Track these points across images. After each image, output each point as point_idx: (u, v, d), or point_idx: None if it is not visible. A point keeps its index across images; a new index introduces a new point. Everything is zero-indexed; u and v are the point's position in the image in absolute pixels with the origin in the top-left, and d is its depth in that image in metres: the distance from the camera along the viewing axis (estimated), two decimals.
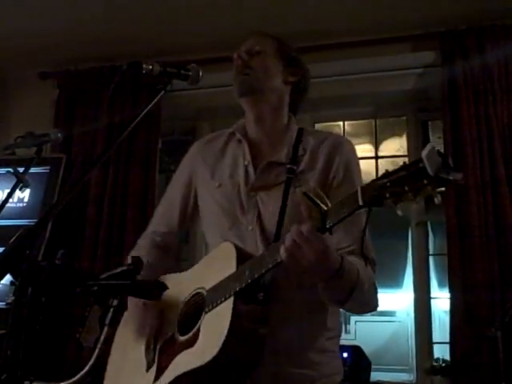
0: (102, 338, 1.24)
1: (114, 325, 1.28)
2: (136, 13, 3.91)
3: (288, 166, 1.80)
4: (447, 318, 3.51)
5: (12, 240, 1.16)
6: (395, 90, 4.10)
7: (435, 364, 3.58)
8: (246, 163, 1.87)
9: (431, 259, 4.00)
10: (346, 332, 4.79)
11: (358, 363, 3.33)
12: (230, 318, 1.50)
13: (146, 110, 1.51)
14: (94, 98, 4.36)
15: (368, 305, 1.74)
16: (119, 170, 4.13)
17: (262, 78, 1.86)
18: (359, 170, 1.88)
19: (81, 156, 4.23)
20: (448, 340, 3.46)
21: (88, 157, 4.20)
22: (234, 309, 1.52)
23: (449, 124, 3.69)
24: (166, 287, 1.54)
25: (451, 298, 3.48)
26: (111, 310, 1.25)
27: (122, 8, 3.87)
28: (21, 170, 2.25)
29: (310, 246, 1.40)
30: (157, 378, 1.67)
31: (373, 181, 1.28)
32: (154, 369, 1.70)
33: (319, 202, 1.39)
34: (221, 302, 1.57)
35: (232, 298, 1.54)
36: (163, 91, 1.59)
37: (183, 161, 2.08)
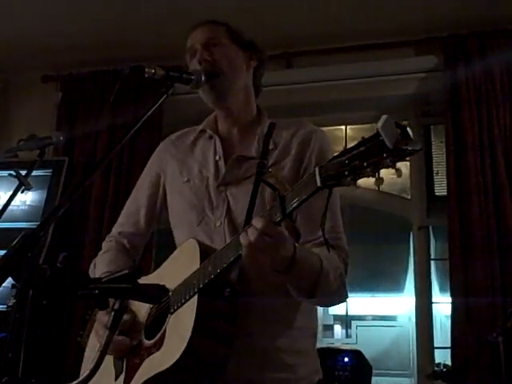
0: (103, 342, 1.24)
1: (115, 329, 1.27)
2: (139, 16, 3.91)
3: (258, 160, 1.77)
4: (448, 323, 3.51)
5: (14, 243, 1.16)
6: (398, 95, 4.10)
7: (436, 369, 3.58)
8: (217, 158, 1.85)
9: (433, 264, 4.00)
10: (347, 336, 4.79)
11: (359, 368, 3.33)
12: (193, 317, 1.47)
13: (148, 114, 1.51)
14: (97, 102, 4.37)
15: (334, 298, 1.69)
16: (121, 173, 4.13)
17: (231, 75, 1.82)
18: None
19: (83, 159, 4.24)
20: (449, 345, 3.46)
21: (90, 160, 4.21)
22: (198, 307, 1.48)
23: (451, 128, 3.69)
24: (167, 291, 1.53)
25: (452, 303, 3.47)
26: (112, 313, 1.25)
27: (125, 11, 3.88)
28: (23, 172, 2.25)
29: (268, 241, 1.37)
30: None
31: (330, 160, 1.23)
32: (122, 377, 1.67)
33: (277, 188, 1.36)
34: (185, 301, 1.53)
35: (196, 296, 1.50)
36: (165, 95, 1.59)
37: (150, 160, 2.04)
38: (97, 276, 1.83)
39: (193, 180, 1.85)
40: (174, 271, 1.68)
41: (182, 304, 1.55)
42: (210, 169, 1.84)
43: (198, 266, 1.55)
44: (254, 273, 1.56)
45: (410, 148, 1.09)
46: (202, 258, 1.56)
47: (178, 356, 1.44)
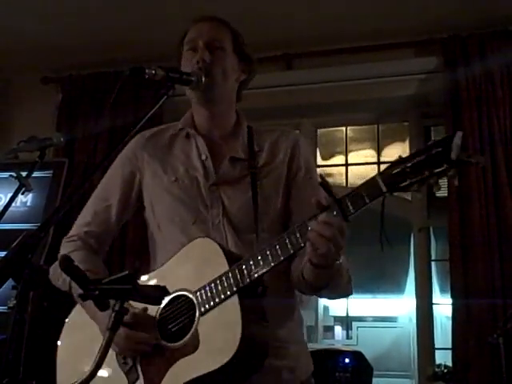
0: (104, 343, 1.24)
1: (116, 330, 1.27)
2: (139, 18, 3.92)
3: (248, 161, 1.82)
4: (449, 324, 3.51)
5: (14, 244, 1.16)
6: (398, 96, 4.10)
7: (437, 370, 3.57)
8: (203, 158, 1.84)
9: (433, 265, 4.00)
10: (347, 337, 4.79)
11: (360, 369, 3.33)
12: (240, 315, 1.49)
13: (148, 115, 1.51)
14: (97, 103, 4.37)
15: (342, 292, 1.76)
16: None
17: (221, 84, 1.82)
18: (309, 151, 2.00)
19: (83, 160, 4.24)
20: (450, 346, 3.46)
21: (90, 161, 4.21)
22: (241, 306, 1.50)
23: (451, 129, 3.69)
24: (167, 292, 1.53)
25: (453, 304, 3.48)
26: (112, 314, 1.25)
27: (125, 13, 3.88)
28: (23, 174, 2.25)
29: (342, 236, 1.42)
30: None
31: (390, 167, 1.31)
32: (140, 382, 1.63)
33: (334, 195, 1.40)
34: (219, 302, 1.54)
35: (236, 296, 1.52)
36: (165, 96, 1.59)
37: (120, 157, 1.94)
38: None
39: (181, 179, 1.83)
40: (189, 271, 1.66)
41: (216, 304, 1.55)
42: (197, 168, 1.84)
43: (226, 266, 1.56)
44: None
45: (472, 160, 1.22)
46: (229, 259, 1.57)
47: (226, 360, 1.46)
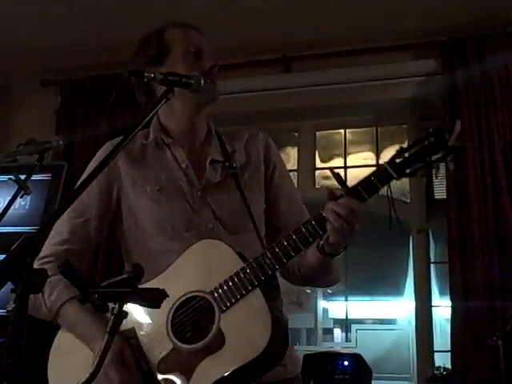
0: (102, 346, 1.24)
1: (115, 333, 1.27)
2: (138, 21, 3.92)
3: (227, 163, 1.86)
4: (448, 326, 3.50)
5: (13, 247, 1.16)
6: (396, 98, 4.11)
7: (436, 372, 3.57)
8: (183, 166, 1.85)
9: (432, 267, 4.00)
10: (346, 340, 4.79)
11: (359, 371, 3.33)
12: (266, 307, 1.52)
13: (147, 118, 1.51)
14: (96, 106, 4.37)
15: (332, 280, 1.84)
16: None
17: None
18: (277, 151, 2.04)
19: (82, 163, 4.24)
20: (449, 348, 3.46)
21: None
22: (266, 298, 1.54)
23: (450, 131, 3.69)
24: (166, 295, 1.53)
25: (452, 306, 3.47)
26: (112, 317, 1.25)
27: (124, 16, 3.89)
28: (22, 177, 2.25)
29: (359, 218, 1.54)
30: None
31: (394, 156, 1.47)
32: None
33: (347, 185, 1.54)
34: (241, 297, 1.55)
35: (258, 289, 1.55)
36: (164, 99, 1.59)
37: (91, 166, 1.86)
38: (58, 303, 1.73)
39: (166, 188, 1.82)
40: (199, 273, 1.66)
41: (237, 300, 1.56)
42: (180, 176, 1.84)
43: (240, 262, 1.59)
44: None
45: (464, 145, 1.34)
46: (242, 257, 1.61)
47: (266, 342, 1.48)
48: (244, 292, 1.55)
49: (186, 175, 1.84)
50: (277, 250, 1.57)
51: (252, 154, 1.91)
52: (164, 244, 1.77)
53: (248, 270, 1.57)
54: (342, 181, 1.52)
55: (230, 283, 1.57)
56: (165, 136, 1.89)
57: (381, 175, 1.50)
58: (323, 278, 1.80)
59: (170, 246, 1.75)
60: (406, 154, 1.44)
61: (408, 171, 1.45)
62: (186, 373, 1.56)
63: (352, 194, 1.53)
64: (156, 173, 1.85)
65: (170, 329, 1.62)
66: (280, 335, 1.53)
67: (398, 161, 1.46)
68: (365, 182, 1.55)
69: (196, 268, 1.67)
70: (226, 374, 1.50)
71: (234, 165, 1.85)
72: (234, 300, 1.56)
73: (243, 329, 1.55)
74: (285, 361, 1.67)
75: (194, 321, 1.61)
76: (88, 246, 1.87)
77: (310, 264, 1.70)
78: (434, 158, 1.40)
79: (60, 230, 1.81)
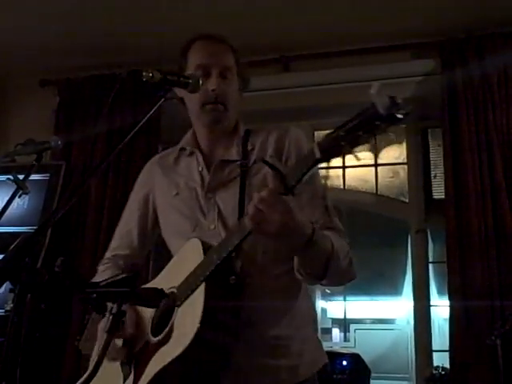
0: (101, 346, 1.24)
1: (114, 332, 1.27)
2: (136, 21, 3.92)
3: (239, 161, 1.85)
4: (447, 326, 3.51)
5: (11, 247, 1.16)
6: None
7: (435, 372, 3.57)
8: (200, 169, 1.90)
9: (431, 267, 4.00)
10: (345, 340, 4.79)
11: (358, 371, 3.33)
12: (202, 302, 1.53)
13: (146, 118, 1.51)
14: (94, 106, 4.37)
15: (345, 276, 1.75)
16: (119, 177, 4.13)
17: (231, 109, 1.89)
18: None
19: (81, 163, 4.24)
20: (447, 348, 3.46)
21: (88, 164, 4.21)
22: (205, 294, 1.55)
23: (448, 131, 3.70)
24: (165, 295, 1.54)
25: (451, 306, 3.47)
26: (110, 317, 1.25)
27: (123, 16, 3.88)
28: (21, 177, 2.25)
29: (272, 209, 1.42)
30: None
31: (328, 134, 1.29)
32: (131, 378, 1.70)
33: (278, 167, 1.41)
34: (192, 292, 1.59)
35: (203, 284, 1.56)
36: (163, 99, 1.60)
37: (137, 181, 2.09)
38: None
39: (182, 192, 1.90)
40: (177, 270, 1.73)
41: (189, 295, 1.60)
42: (196, 180, 1.89)
43: (202, 258, 1.62)
44: (259, 261, 1.70)
45: (399, 115, 1.17)
46: (205, 250, 1.64)
47: (187, 343, 1.50)
48: (193, 287, 1.59)
49: (202, 178, 1.88)
50: (220, 246, 1.59)
51: (267, 150, 1.88)
52: (178, 247, 1.85)
53: (201, 264, 1.61)
54: (273, 166, 1.43)
55: (189, 277, 1.64)
56: (188, 146, 1.97)
57: (308, 159, 1.35)
58: (331, 275, 1.64)
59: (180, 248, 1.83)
60: (338, 131, 1.27)
61: (335, 149, 1.28)
62: (146, 363, 1.65)
63: (281, 180, 1.41)
64: (178, 179, 1.94)
65: (150, 324, 1.74)
66: (211, 326, 1.53)
67: (329, 138, 1.29)
68: (294, 167, 1.42)
69: (176, 267, 1.79)
70: (162, 367, 1.56)
71: (247, 163, 1.85)
72: (185, 296, 1.62)
73: (182, 323, 1.60)
74: (296, 364, 1.72)
75: (164, 316, 1.68)
76: (132, 252, 2.04)
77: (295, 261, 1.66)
78: (367, 129, 1.22)
79: (115, 237, 2.08)
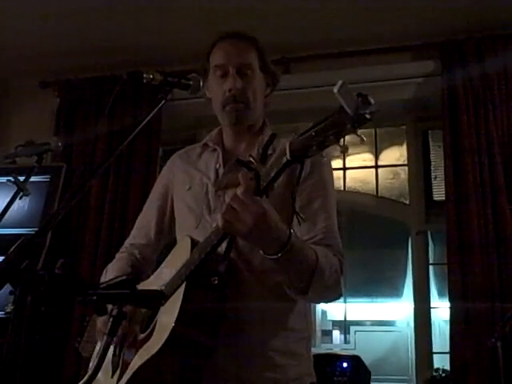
0: (101, 348, 1.24)
1: (114, 334, 1.28)
2: (137, 22, 3.92)
3: (251, 164, 1.82)
4: (447, 328, 3.50)
5: (12, 249, 1.16)
6: (395, 100, 4.10)
7: (435, 374, 3.57)
8: (217, 166, 1.91)
9: (431, 268, 4.00)
10: (345, 342, 4.78)
11: (358, 373, 3.33)
12: (180, 301, 1.54)
13: (146, 120, 1.51)
14: (95, 107, 4.37)
15: (330, 293, 1.71)
16: (119, 179, 4.13)
17: (253, 105, 1.88)
18: (330, 170, 1.89)
19: (81, 165, 4.24)
20: (448, 350, 3.45)
21: (88, 166, 4.21)
22: (184, 293, 1.56)
23: (448, 133, 3.70)
24: (165, 296, 1.54)
25: (451, 308, 3.47)
26: (110, 319, 1.25)
27: (123, 17, 3.88)
28: (21, 178, 2.25)
29: (245, 208, 1.38)
30: (119, 380, 1.69)
31: (299, 135, 1.27)
32: (118, 372, 1.72)
33: (253, 167, 1.39)
34: (174, 291, 1.60)
35: (184, 284, 1.57)
36: (164, 100, 1.60)
37: (161, 173, 2.13)
38: None
39: (194, 188, 1.91)
40: (169, 269, 1.74)
41: (172, 294, 1.60)
42: (210, 176, 1.90)
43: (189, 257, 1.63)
44: (257, 266, 1.68)
45: (367, 115, 1.17)
46: (192, 249, 1.65)
47: (163, 341, 1.52)
48: (175, 287, 1.61)
49: (216, 175, 1.89)
50: (201, 245, 1.59)
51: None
52: None
53: (185, 266, 1.62)
54: (248, 166, 1.40)
55: (174, 278, 1.65)
56: (212, 142, 1.98)
57: (279, 161, 1.33)
58: (312, 292, 1.59)
59: None
60: (311, 131, 1.25)
61: (304, 151, 1.27)
62: (130, 359, 1.68)
63: (255, 181, 1.39)
64: (194, 174, 1.95)
65: (142, 319, 1.75)
66: (190, 325, 1.56)
67: (302, 137, 1.27)
68: (267, 168, 1.38)
69: (168, 265, 1.81)
70: (143, 362, 1.58)
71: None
72: (170, 294, 1.62)
73: (162, 321, 1.62)
74: (280, 378, 1.69)
75: (153, 314, 1.71)
76: (149, 242, 2.05)
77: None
78: (336, 131, 1.21)
79: (135, 226, 2.12)
